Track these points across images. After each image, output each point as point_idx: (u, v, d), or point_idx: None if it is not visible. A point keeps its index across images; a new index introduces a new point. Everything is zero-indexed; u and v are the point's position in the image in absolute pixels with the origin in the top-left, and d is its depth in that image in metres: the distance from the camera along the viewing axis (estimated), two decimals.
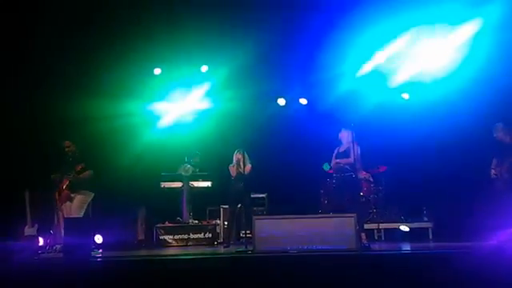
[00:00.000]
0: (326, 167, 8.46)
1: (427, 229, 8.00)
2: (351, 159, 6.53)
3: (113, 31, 8.14)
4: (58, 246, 6.72)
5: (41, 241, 6.98)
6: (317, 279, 4.55)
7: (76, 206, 6.71)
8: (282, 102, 9.93)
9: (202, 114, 9.91)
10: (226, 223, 8.30)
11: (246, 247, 5.91)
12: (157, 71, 9.58)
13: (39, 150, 7.93)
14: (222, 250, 7.02)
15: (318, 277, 4.57)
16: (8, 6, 7.47)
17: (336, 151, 6.83)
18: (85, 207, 6.79)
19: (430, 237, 7.85)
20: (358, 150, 6.55)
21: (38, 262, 5.48)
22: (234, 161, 7.61)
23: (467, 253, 4.99)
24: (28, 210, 7.09)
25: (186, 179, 8.43)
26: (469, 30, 8.01)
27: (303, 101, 9.91)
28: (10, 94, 8.01)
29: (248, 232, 6.59)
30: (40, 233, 7.08)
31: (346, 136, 6.69)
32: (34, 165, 7.71)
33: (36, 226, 7.11)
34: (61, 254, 5.75)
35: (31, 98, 8.22)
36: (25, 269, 4.94)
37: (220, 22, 8.31)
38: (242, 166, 7.40)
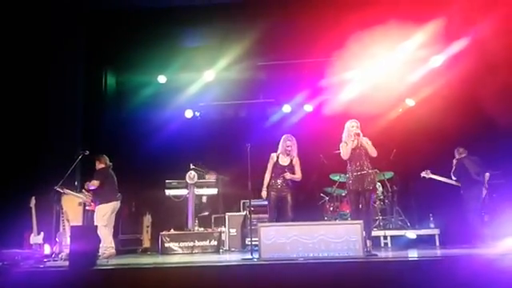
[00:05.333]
0: (335, 177, 8.45)
1: (434, 235, 7.93)
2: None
3: None
4: (64, 254, 6.73)
5: (47, 249, 6.98)
6: (323, 287, 4.53)
7: (96, 216, 6.90)
8: (287, 108, 9.98)
9: (206, 120, 9.99)
10: (231, 231, 8.29)
11: (252, 255, 5.88)
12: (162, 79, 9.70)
13: (47, 157, 7.99)
14: (227, 257, 7.00)
15: (325, 284, 4.54)
16: None
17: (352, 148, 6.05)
18: (106, 218, 6.90)
19: (437, 243, 7.79)
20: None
21: (43, 270, 5.48)
22: (281, 147, 6.55)
23: (474, 259, 4.95)
24: (34, 217, 7.09)
25: (191, 186, 8.41)
26: None
27: (308, 107, 9.95)
28: (17, 98, 8.09)
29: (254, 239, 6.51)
30: (46, 241, 7.09)
31: (355, 129, 6.11)
32: (41, 172, 7.75)
33: (42, 233, 7.12)
34: (66, 262, 5.75)
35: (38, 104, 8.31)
36: (30, 277, 4.95)
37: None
38: (289, 158, 6.52)
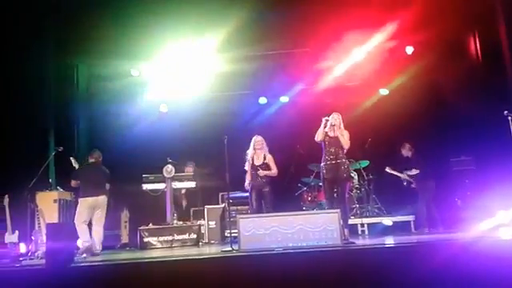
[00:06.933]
0: (313, 167, 8.53)
1: (409, 222, 8.10)
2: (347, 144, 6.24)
3: None
4: (40, 252, 6.62)
5: (22, 247, 6.85)
6: (302, 276, 4.58)
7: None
8: (263, 100, 10.02)
9: (183, 113, 9.90)
10: (210, 223, 8.29)
11: (231, 246, 5.90)
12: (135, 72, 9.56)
13: (19, 154, 7.80)
14: (207, 250, 7.00)
15: (304, 273, 4.59)
16: None
17: (324, 131, 6.25)
18: (80, 214, 7.00)
19: (413, 229, 7.95)
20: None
21: (19, 269, 5.38)
22: (253, 148, 7.00)
23: (450, 244, 5.08)
24: (8, 216, 6.94)
25: (168, 180, 8.35)
26: None
27: (284, 98, 10.01)
28: None
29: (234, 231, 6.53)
30: (21, 239, 6.95)
31: (333, 119, 6.24)
32: (14, 169, 7.57)
33: (17, 232, 6.97)
34: (43, 260, 5.66)
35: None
36: (6, 276, 4.86)
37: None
38: (262, 156, 6.93)
